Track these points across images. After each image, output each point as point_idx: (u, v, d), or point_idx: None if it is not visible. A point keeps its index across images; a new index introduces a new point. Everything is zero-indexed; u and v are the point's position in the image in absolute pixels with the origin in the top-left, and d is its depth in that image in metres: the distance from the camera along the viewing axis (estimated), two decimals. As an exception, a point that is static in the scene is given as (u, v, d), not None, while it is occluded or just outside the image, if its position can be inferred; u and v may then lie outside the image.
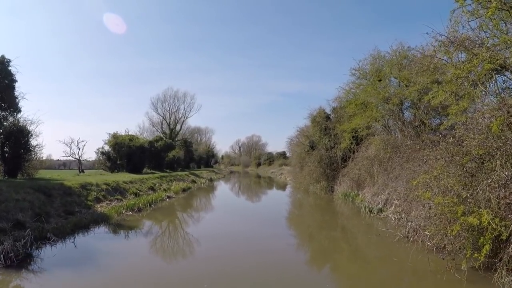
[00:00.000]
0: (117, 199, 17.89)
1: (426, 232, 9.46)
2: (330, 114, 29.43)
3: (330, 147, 26.88)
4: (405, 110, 20.82)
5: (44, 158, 44.29)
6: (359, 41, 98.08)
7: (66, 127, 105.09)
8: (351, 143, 23.80)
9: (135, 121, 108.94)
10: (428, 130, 17.92)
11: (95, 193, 16.92)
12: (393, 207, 14.61)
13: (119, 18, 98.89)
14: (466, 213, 6.54)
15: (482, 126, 7.02)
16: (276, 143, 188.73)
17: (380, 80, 20.93)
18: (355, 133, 23.24)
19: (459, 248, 7.63)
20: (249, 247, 11.47)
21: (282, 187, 41.47)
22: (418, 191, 8.83)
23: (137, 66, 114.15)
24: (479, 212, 6.40)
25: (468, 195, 6.64)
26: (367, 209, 16.35)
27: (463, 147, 7.11)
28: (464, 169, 7.07)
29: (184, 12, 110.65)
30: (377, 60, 21.74)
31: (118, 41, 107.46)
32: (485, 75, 8.10)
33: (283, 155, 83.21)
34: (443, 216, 7.13)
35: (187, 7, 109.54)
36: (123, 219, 14.94)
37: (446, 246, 7.66)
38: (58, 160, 59.86)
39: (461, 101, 8.78)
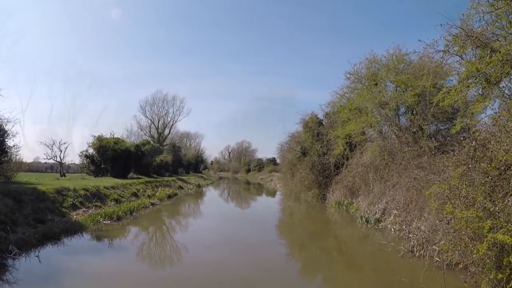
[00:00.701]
0: (96, 206, 16.63)
1: (434, 247, 8.52)
2: (322, 120, 28.61)
3: (322, 153, 25.95)
4: (401, 116, 20.08)
5: (29, 160, 42.98)
6: (356, 49, 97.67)
7: (54, 129, 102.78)
8: (345, 149, 22.92)
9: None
10: (426, 137, 17.17)
11: (72, 199, 15.64)
12: (392, 217, 13.67)
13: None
14: (494, 228, 5.58)
15: (510, 127, 6.10)
16: (266, 149, 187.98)
17: (376, 84, 20.14)
18: (349, 139, 22.38)
19: (473, 263, 6.71)
20: (237, 260, 10.53)
21: (272, 194, 40.55)
22: (430, 202, 7.82)
23: (132, 69, 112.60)
24: (508, 228, 5.45)
25: (497, 208, 5.67)
26: (363, 219, 15.37)
27: (490, 151, 6.17)
28: (489, 177, 6.11)
29: (180, 16, 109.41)
30: (373, 64, 20.97)
31: (114, 43, 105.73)
32: (505, 72, 7.21)
33: (273, 161, 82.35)
34: (463, 232, 6.15)
35: (183, 11, 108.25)
36: (99, 228, 13.69)
37: (469, 267, 6.66)
38: (45, 163, 58.50)
39: (485, 99, 7.85)
